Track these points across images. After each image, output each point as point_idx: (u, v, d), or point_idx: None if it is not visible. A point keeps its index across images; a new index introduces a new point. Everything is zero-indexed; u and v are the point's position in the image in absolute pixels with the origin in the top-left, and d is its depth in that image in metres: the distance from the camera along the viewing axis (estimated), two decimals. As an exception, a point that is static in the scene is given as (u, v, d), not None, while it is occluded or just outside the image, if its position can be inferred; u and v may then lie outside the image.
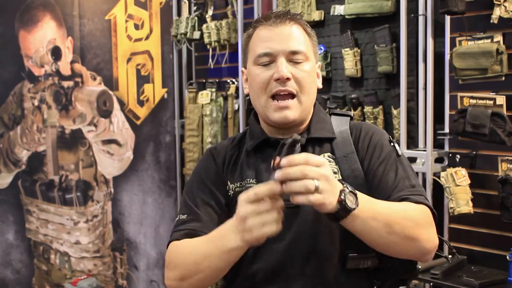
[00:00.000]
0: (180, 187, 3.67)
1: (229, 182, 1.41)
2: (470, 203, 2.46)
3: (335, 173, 1.34)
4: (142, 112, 3.68)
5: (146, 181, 3.69)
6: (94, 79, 3.80)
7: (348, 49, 2.84)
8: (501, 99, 2.39)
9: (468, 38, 2.46)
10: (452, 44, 2.54)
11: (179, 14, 3.64)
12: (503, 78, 2.40)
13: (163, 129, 3.63)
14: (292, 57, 1.35)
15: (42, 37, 3.94)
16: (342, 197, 1.12)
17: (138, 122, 3.69)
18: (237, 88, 3.39)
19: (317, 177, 1.09)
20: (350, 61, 2.83)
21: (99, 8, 3.78)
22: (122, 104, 3.73)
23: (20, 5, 3.99)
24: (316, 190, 1.09)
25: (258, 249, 1.32)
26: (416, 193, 1.30)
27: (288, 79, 1.33)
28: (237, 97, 3.37)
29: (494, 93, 2.42)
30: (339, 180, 1.16)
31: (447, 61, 2.56)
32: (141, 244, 3.76)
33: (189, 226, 1.36)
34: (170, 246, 1.36)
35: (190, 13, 3.59)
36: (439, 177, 2.53)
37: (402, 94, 2.64)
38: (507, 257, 2.34)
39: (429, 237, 1.25)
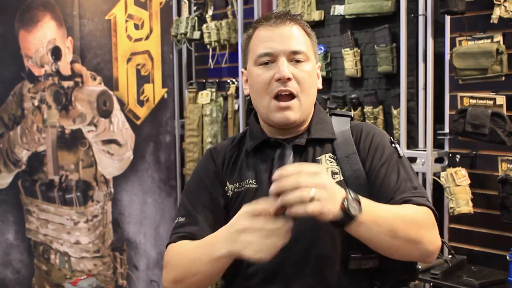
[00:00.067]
0: (180, 187, 3.66)
1: (228, 183, 1.41)
2: (470, 203, 2.46)
3: (336, 173, 1.34)
4: (142, 112, 3.68)
5: (146, 181, 3.69)
6: (94, 79, 3.80)
7: (348, 49, 2.84)
8: (501, 99, 2.39)
9: (468, 38, 2.46)
10: (452, 44, 2.54)
11: (179, 14, 3.64)
12: (503, 78, 2.40)
13: (163, 129, 3.63)
14: (293, 57, 1.35)
15: (42, 37, 3.94)
16: (345, 204, 1.12)
17: (138, 122, 3.69)
18: (237, 88, 3.39)
19: (312, 186, 1.09)
20: (350, 61, 2.83)
21: (99, 8, 3.78)
22: (122, 104, 3.73)
23: (20, 5, 3.99)
24: (312, 199, 1.08)
25: None
26: (418, 195, 1.30)
27: (289, 79, 1.33)
28: (237, 97, 3.37)
29: (494, 93, 2.42)
30: (341, 185, 1.16)
31: (447, 61, 2.56)
32: (141, 244, 3.76)
33: (187, 229, 1.37)
34: (168, 248, 1.38)
35: (190, 13, 3.59)
36: (439, 177, 2.53)
37: (402, 94, 2.64)
38: (507, 257, 2.34)
39: (431, 239, 1.26)
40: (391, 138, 1.42)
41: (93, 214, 3.87)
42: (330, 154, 1.38)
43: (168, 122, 3.62)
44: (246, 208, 1.16)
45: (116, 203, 3.80)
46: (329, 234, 1.32)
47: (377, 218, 1.18)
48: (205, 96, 3.49)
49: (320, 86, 1.44)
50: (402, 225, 1.20)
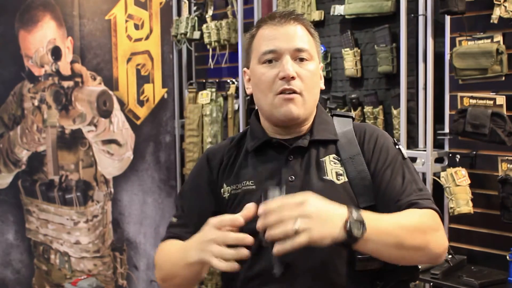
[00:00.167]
0: (180, 187, 3.67)
1: (224, 185, 1.41)
2: (470, 203, 2.45)
3: (340, 175, 1.34)
4: (142, 112, 3.68)
5: (146, 181, 3.69)
6: (94, 79, 3.80)
7: (348, 49, 2.84)
8: (501, 99, 2.39)
9: (468, 38, 2.46)
10: (452, 44, 2.54)
11: (179, 14, 3.64)
12: (503, 78, 2.39)
13: (163, 129, 3.63)
14: (297, 55, 1.35)
15: (42, 37, 3.94)
16: (348, 227, 1.13)
17: (138, 122, 3.69)
18: (237, 88, 3.39)
19: (296, 218, 1.10)
20: (350, 61, 2.83)
21: (99, 8, 3.78)
22: (122, 104, 3.73)
23: (20, 5, 3.99)
24: (297, 231, 1.10)
25: (259, 250, 1.32)
26: (424, 197, 1.31)
27: (293, 78, 1.33)
28: (237, 97, 3.37)
29: (494, 93, 2.42)
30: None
31: (447, 61, 2.56)
32: (141, 244, 3.76)
33: (176, 230, 1.42)
34: (159, 247, 1.43)
35: (190, 13, 3.59)
36: (439, 177, 2.53)
37: (402, 94, 2.64)
38: (507, 257, 2.34)
39: (438, 242, 1.26)
40: (394, 139, 1.42)
41: (93, 214, 3.87)
42: (334, 155, 1.37)
43: (168, 122, 3.62)
44: (213, 220, 1.21)
45: (116, 203, 3.80)
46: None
47: (382, 232, 1.18)
48: (205, 96, 3.49)
49: (323, 87, 1.44)
50: (408, 234, 1.21)
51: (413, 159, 2.60)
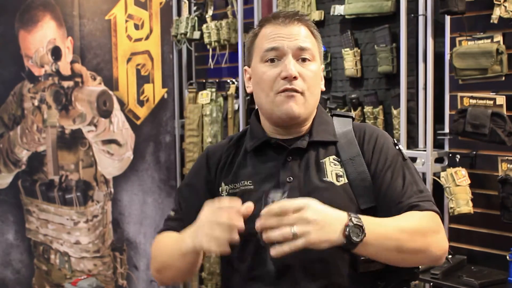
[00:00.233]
0: (180, 187, 3.66)
1: (223, 184, 1.41)
2: (470, 203, 2.45)
3: (340, 176, 1.34)
4: (142, 112, 3.68)
5: (146, 181, 3.69)
6: (94, 79, 3.80)
7: (348, 49, 2.84)
8: (501, 99, 2.39)
9: (468, 38, 2.46)
10: (452, 44, 2.54)
11: (179, 14, 3.64)
12: (503, 78, 2.39)
13: (163, 129, 3.63)
14: (299, 54, 1.35)
15: (42, 37, 3.94)
16: (347, 232, 1.14)
17: (138, 122, 3.69)
18: (237, 88, 3.39)
19: (294, 223, 1.12)
20: (350, 61, 2.83)
21: (99, 8, 3.78)
22: (122, 104, 3.73)
23: (20, 5, 3.99)
24: (295, 236, 1.11)
25: (260, 251, 1.32)
26: (425, 199, 1.31)
27: (295, 78, 1.33)
28: (237, 97, 3.37)
29: (494, 93, 2.42)
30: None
31: (447, 61, 2.56)
32: (141, 244, 3.76)
33: (173, 224, 1.45)
34: (155, 238, 1.46)
35: (190, 13, 3.59)
36: (439, 177, 2.53)
37: (402, 94, 2.64)
38: (507, 257, 2.34)
39: (438, 244, 1.27)
40: (394, 139, 1.42)
41: (93, 214, 3.87)
42: (334, 157, 1.37)
43: (168, 122, 3.62)
44: (210, 203, 1.24)
45: (116, 203, 3.80)
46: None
47: (382, 236, 1.19)
48: (205, 96, 3.49)
49: (323, 88, 1.44)
50: (408, 238, 1.21)
51: (413, 159, 2.60)
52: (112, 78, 3.75)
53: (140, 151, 3.69)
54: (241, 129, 3.23)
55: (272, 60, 1.35)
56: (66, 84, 3.88)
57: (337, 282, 1.31)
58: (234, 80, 3.43)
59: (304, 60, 1.35)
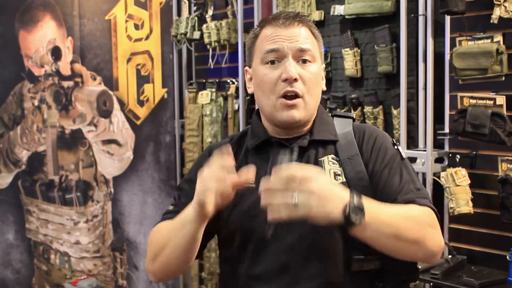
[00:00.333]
0: (180, 187, 3.66)
1: None
2: (470, 203, 2.46)
3: (338, 175, 1.34)
4: (142, 112, 3.68)
5: (146, 181, 3.69)
6: (94, 79, 3.80)
7: (348, 49, 2.84)
8: (501, 99, 2.39)
9: (468, 38, 2.46)
10: (452, 44, 2.54)
11: (179, 14, 3.64)
12: (503, 78, 2.39)
13: (163, 129, 3.63)
14: (300, 55, 1.35)
15: (42, 37, 3.94)
16: (347, 211, 1.13)
17: (138, 122, 3.69)
18: (237, 88, 3.39)
19: (300, 191, 1.11)
20: (350, 61, 2.83)
21: (99, 8, 3.78)
22: (122, 104, 3.73)
23: (20, 5, 3.99)
24: (296, 205, 1.11)
25: (259, 250, 1.33)
26: (421, 196, 1.31)
27: (295, 80, 1.33)
28: (237, 97, 3.37)
29: (494, 93, 2.42)
30: (345, 187, 1.17)
31: (447, 61, 2.56)
32: (141, 244, 3.76)
33: (171, 216, 1.41)
34: (151, 231, 1.43)
35: (190, 13, 3.59)
36: (439, 177, 2.53)
37: (402, 94, 2.64)
38: (507, 257, 2.33)
39: (434, 239, 1.26)
40: (393, 140, 1.42)
41: (93, 214, 3.87)
42: (333, 156, 1.38)
43: (168, 122, 3.62)
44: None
45: (116, 203, 3.81)
46: (331, 237, 1.31)
47: (381, 220, 1.18)
48: (205, 96, 3.49)
49: (324, 88, 1.44)
50: (406, 226, 1.21)
51: (413, 159, 2.60)
52: (112, 78, 3.76)
53: (140, 151, 3.69)
54: (241, 129, 3.25)
55: (272, 62, 1.36)
56: (66, 84, 3.88)
57: (335, 281, 1.31)
58: (234, 80, 3.43)
59: (304, 61, 1.36)
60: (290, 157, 1.18)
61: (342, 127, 1.43)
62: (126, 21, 3.70)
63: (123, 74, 3.73)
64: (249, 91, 1.44)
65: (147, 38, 3.65)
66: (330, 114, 1.48)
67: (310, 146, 1.39)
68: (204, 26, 3.44)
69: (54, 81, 3.92)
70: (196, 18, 3.53)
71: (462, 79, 2.50)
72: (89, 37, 3.81)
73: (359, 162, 1.36)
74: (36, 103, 4.00)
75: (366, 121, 2.80)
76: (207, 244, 1.43)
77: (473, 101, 2.47)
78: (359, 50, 2.83)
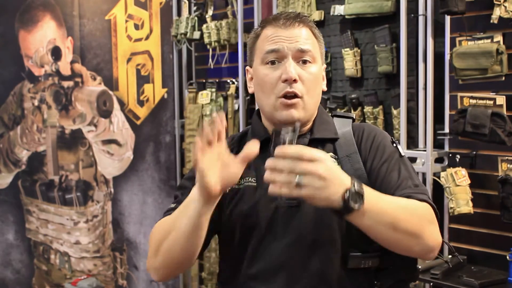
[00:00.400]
0: (180, 187, 3.66)
1: None
2: (470, 203, 2.46)
3: None
4: (142, 112, 3.68)
5: (146, 181, 3.69)
6: (94, 79, 3.81)
7: (348, 49, 2.84)
8: (501, 99, 2.39)
9: (468, 38, 2.46)
10: (452, 44, 2.54)
11: (179, 14, 3.64)
12: (503, 78, 2.40)
13: (163, 129, 3.63)
14: (300, 56, 1.35)
15: (42, 37, 3.94)
16: (346, 196, 1.13)
17: (138, 122, 3.69)
18: (237, 88, 3.39)
19: (303, 173, 1.10)
20: (350, 61, 2.83)
21: (99, 8, 3.78)
22: (122, 104, 3.73)
23: (20, 5, 3.99)
24: (299, 185, 1.10)
25: (258, 249, 1.33)
26: (419, 191, 1.31)
27: (295, 80, 1.33)
28: (237, 97, 3.37)
29: (494, 93, 2.42)
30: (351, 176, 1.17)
31: (447, 61, 2.56)
32: (141, 244, 3.76)
33: (172, 212, 1.37)
34: (152, 230, 1.38)
35: (190, 13, 3.59)
36: (439, 177, 2.53)
37: (402, 94, 2.64)
38: (507, 257, 2.34)
39: (432, 234, 1.26)
40: (392, 138, 1.43)
41: (93, 214, 3.87)
42: (332, 154, 1.38)
43: (168, 122, 3.62)
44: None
45: (116, 203, 3.81)
46: (329, 235, 1.32)
47: (379, 209, 1.18)
48: (205, 96, 3.49)
49: (325, 88, 1.45)
50: (404, 218, 1.21)
51: (413, 159, 2.60)
52: (112, 78, 3.76)
53: (140, 151, 3.69)
54: (241, 129, 3.25)
55: (272, 62, 1.36)
56: (66, 84, 3.88)
57: (333, 279, 1.32)
58: (234, 80, 3.43)
59: (304, 62, 1.36)
60: (293, 134, 1.17)
61: (341, 126, 1.43)
62: (126, 21, 3.70)
63: (123, 74, 3.73)
64: (250, 90, 1.45)
65: (147, 38, 3.65)
66: (330, 114, 1.48)
67: (311, 145, 1.39)
68: (204, 26, 3.44)
69: (54, 81, 3.92)
70: (196, 18, 3.53)
71: (462, 79, 2.50)
72: (89, 37, 3.81)
73: (357, 160, 1.37)
74: (36, 103, 4.00)
75: (366, 121, 2.80)
76: (209, 242, 1.42)
77: (473, 101, 2.47)
78: (359, 50, 2.83)
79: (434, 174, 2.58)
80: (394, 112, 2.72)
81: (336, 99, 2.91)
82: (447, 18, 2.56)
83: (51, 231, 4.03)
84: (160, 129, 3.64)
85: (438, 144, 2.66)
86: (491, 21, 2.35)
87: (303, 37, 1.37)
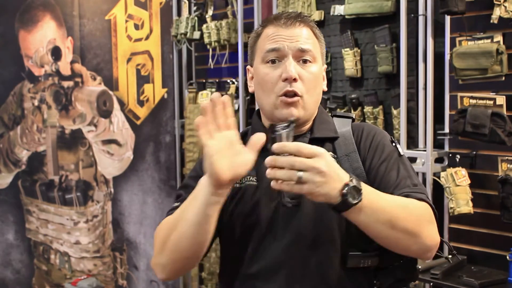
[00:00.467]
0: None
1: None
2: (470, 203, 2.46)
3: None
4: (142, 112, 3.68)
5: (146, 181, 3.69)
6: (94, 79, 3.81)
7: (348, 49, 2.84)
8: (501, 99, 2.39)
9: (468, 38, 2.46)
10: (452, 44, 2.54)
11: (179, 14, 3.64)
12: (503, 78, 2.40)
13: (163, 129, 3.63)
14: (300, 55, 1.35)
15: (42, 37, 3.94)
16: (345, 191, 1.13)
17: (138, 122, 3.69)
18: (237, 88, 3.39)
19: (304, 169, 1.10)
20: (350, 61, 2.84)
21: (99, 8, 3.78)
22: (122, 104, 3.73)
23: (20, 5, 3.99)
24: (300, 181, 1.10)
25: (258, 248, 1.33)
26: (418, 191, 1.31)
27: (295, 79, 1.34)
28: (237, 97, 3.37)
29: (494, 93, 2.42)
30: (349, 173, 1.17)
31: (447, 61, 2.56)
32: (141, 244, 3.76)
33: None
34: (156, 229, 1.37)
35: (190, 13, 3.59)
36: (439, 177, 2.54)
37: (402, 94, 2.64)
38: (507, 257, 2.34)
39: (430, 234, 1.26)
40: (392, 137, 1.43)
41: (93, 214, 3.87)
42: (331, 153, 1.38)
43: (168, 122, 3.62)
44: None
45: (116, 203, 3.81)
46: (329, 234, 1.32)
47: (377, 206, 1.18)
48: (205, 96, 3.49)
49: (325, 88, 1.45)
50: (402, 216, 1.21)
51: (413, 159, 2.60)
52: (112, 78, 3.76)
53: (140, 151, 3.69)
54: (241, 129, 3.25)
55: (273, 61, 1.36)
56: (66, 84, 3.88)
57: (333, 279, 1.32)
58: (234, 80, 3.43)
59: (305, 61, 1.36)
60: (288, 129, 1.17)
61: (341, 126, 1.44)
62: (126, 21, 3.70)
63: (123, 74, 3.73)
64: (250, 90, 1.45)
65: (147, 38, 3.65)
66: (330, 114, 1.48)
67: (310, 144, 1.40)
68: (204, 26, 3.44)
69: (54, 81, 3.92)
70: (196, 18, 3.53)
71: (462, 79, 2.50)
72: (89, 37, 3.81)
73: (356, 159, 1.37)
74: (36, 103, 4.00)
75: (366, 121, 2.80)
76: (213, 242, 1.41)
77: (473, 101, 2.47)
78: (359, 50, 2.83)
79: (434, 174, 2.58)
80: (394, 112, 2.72)
81: (336, 99, 2.91)
82: (447, 18, 2.56)
83: (51, 231, 4.03)
84: (160, 129, 3.64)
85: (438, 144, 2.66)
86: (491, 21, 2.35)
87: (304, 37, 1.37)
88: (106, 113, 3.77)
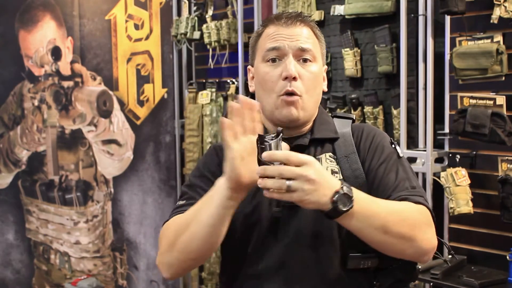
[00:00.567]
0: (180, 187, 3.66)
1: None
2: (470, 203, 2.46)
3: (336, 172, 1.35)
4: (142, 112, 3.68)
5: (146, 181, 3.69)
6: (94, 79, 3.80)
7: (348, 49, 2.84)
8: (501, 99, 2.39)
9: (468, 38, 2.46)
10: (452, 44, 2.54)
11: (179, 14, 3.64)
12: (503, 78, 2.40)
13: (163, 129, 3.63)
14: (300, 54, 1.36)
15: (42, 37, 3.94)
16: (335, 198, 1.13)
17: (138, 122, 3.69)
18: (237, 88, 3.39)
19: (293, 177, 1.11)
20: (350, 61, 2.84)
21: (99, 8, 3.78)
22: (122, 104, 3.73)
23: (20, 5, 3.99)
24: (289, 190, 1.11)
25: (258, 249, 1.33)
26: (416, 194, 1.31)
27: (295, 78, 1.34)
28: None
29: (494, 93, 2.42)
30: (340, 179, 1.17)
31: (447, 61, 2.56)
32: (141, 244, 3.76)
33: (185, 209, 1.35)
34: (162, 227, 1.36)
35: (190, 13, 3.59)
36: (439, 177, 2.54)
37: (402, 94, 2.64)
38: (507, 257, 2.34)
39: (426, 237, 1.26)
40: (392, 139, 1.43)
41: (93, 214, 3.87)
42: (330, 154, 1.39)
43: (168, 122, 3.62)
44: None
45: (116, 203, 3.81)
46: (329, 234, 1.32)
47: (370, 212, 1.19)
48: (205, 96, 3.49)
49: (325, 89, 1.45)
50: (395, 221, 1.21)
51: (413, 159, 2.61)
52: (112, 78, 3.76)
53: (140, 151, 3.69)
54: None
55: (273, 60, 1.37)
56: (66, 84, 3.88)
57: (333, 279, 1.32)
58: (234, 80, 3.43)
59: (305, 60, 1.36)
60: (277, 140, 1.17)
61: (341, 127, 1.44)
62: (126, 21, 3.70)
63: (123, 74, 3.73)
64: (251, 89, 1.45)
65: (147, 38, 3.65)
66: (330, 115, 1.48)
67: (311, 145, 1.40)
68: (204, 26, 3.44)
69: (54, 81, 3.92)
70: (196, 18, 3.53)
71: (462, 79, 2.50)
72: (89, 37, 3.81)
73: (355, 160, 1.37)
74: (36, 103, 4.00)
75: (366, 121, 2.80)
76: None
77: (473, 101, 2.47)
78: (359, 50, 2.83)
79: (434, 174, 2.58)
80: (394, 112, 2.72)
81: (336, 99, 2.91)
82: (447, 18, 2.56)
83: (51, 231, 4.02)
84: (160, 129, 3.64)
85: (438, 144, 2.66)
86: (491, 21, 2.35)
87: (304, 36, 1.37)
88: (106, 113, 3.77)
